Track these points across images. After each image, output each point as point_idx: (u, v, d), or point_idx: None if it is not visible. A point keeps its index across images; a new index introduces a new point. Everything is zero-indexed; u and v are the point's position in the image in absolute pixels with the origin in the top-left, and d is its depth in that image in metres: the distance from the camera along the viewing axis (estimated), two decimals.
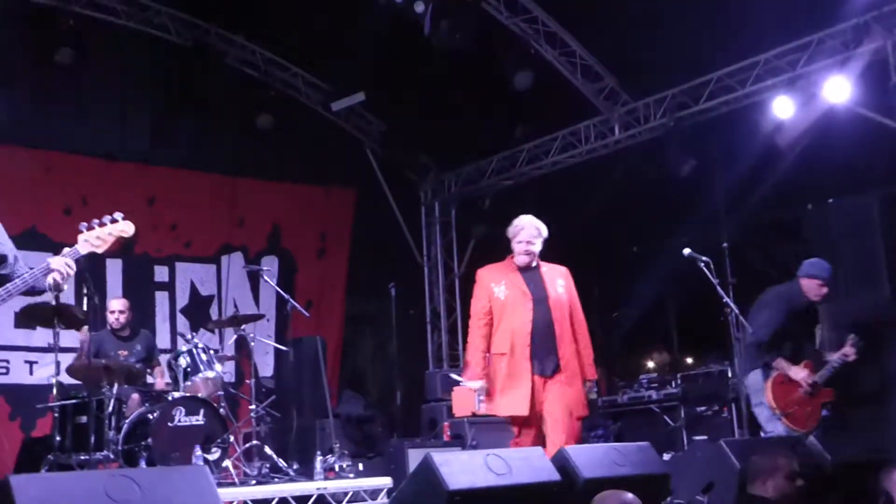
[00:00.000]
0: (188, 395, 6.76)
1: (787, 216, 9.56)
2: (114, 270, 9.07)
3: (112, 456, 6.45)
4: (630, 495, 3.35)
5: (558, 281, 5.63)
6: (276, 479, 6.74)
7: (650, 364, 10.22)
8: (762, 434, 6.21)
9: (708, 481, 4.49)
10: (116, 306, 7.49)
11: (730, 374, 8.26)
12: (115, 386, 6.65)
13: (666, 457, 6.44)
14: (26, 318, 6.83)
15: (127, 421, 6.59)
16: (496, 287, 5.57)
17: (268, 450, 7.14)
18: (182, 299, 9.75)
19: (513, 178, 10.74)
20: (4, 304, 3.96)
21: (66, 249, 3.97)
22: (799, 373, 6.04)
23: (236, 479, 6.56)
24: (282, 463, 7.04)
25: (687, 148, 9.05)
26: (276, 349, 8.86)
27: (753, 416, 6.40)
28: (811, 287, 6.19)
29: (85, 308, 6.72)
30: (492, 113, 10.15)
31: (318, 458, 6.99)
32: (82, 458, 6.46)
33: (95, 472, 5.13)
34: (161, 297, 9.58)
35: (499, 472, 4.00)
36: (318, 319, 9.87)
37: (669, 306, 11.26)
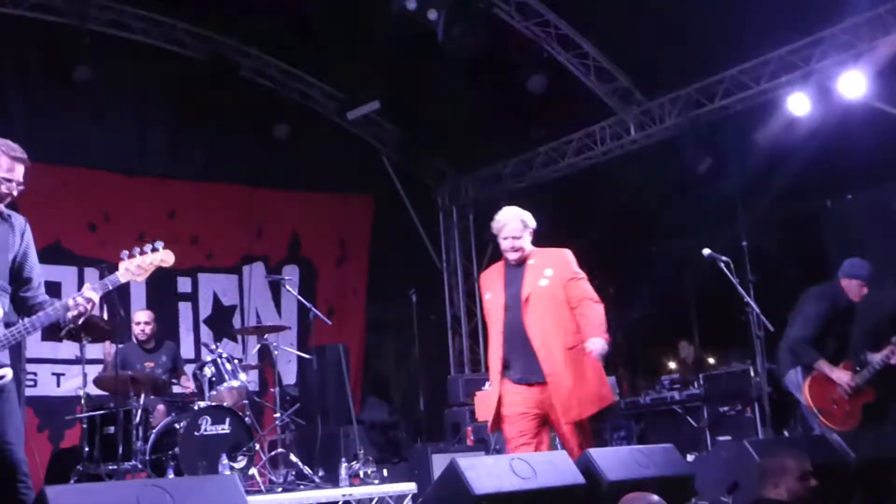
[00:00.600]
0: (214, 404, 6.83)
1: (805, 212, 9.56)
2: (137, 283, 9.14)
3: (140, 466, 6.54)
4: (656, 497, 3.37)
5: (545, 272, 5.15)
6: (302, 487, 6.79)
7: (672, 364, 10.21)
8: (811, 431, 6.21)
9: (732, 482, 4.51)
10: (142, 318, 7.59)
11: (752, 374, 8.24)
12: (142, 397, 6.75)
13: (689, 457, 6.46)
14: (53, 331, 6.92)
15: (154, 431, 6.68)
16: (487, 293, 5.35)
17: (293, 457, 7.20)
18: (205, 310, 9.86)
19: (529, 181, 10.77)
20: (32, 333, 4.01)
21: (106, 278, 4.01)
22: (841, 376, 6.03)
23: (262, 487, 6.64)
24: (307, 470, 7.09)
25: (703, 146, 9.06)
26: (299, 357, 8.92)
27: (775, 415, 6.41)
28: (852, 287, 6.20)
29: (109, 320, 6.82)
30: (507, 117, 10.19)
31: (343, 465, 7.04)
32: (111, 468, 6.56)
33: (128, 482, 5.21)
34: (184, 308, 9.70)
35: (524, 476, 4.03)
36: (339, 327, 9.94)
37: (689, 306, 11.25)
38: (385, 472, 7.26)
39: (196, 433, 6.57)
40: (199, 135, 9.84)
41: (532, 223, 5.28)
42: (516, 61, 9.45)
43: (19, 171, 4.00)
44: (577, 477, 4.21)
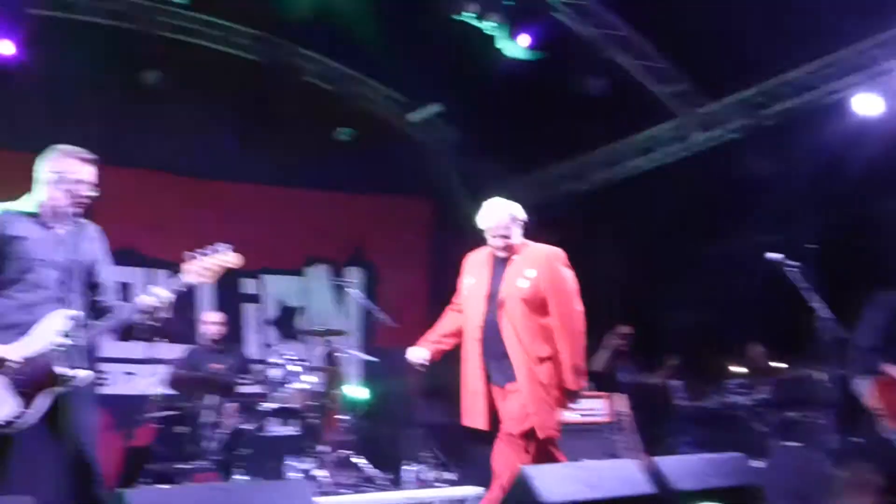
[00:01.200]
0: (280, 405, 6.95)
1: (872, 215, 9.37)
2: (204, 284, 9.34)
3: (209, 465, 6.69)
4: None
5: (525, 271, 4.83)
6: (367, 489, 6.87)
7: (736, 368, 10.07)
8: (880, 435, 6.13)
9: (801, 489, 4.47)
10: (212, 319, 7.76)
11: (821, 378, 8.11)
12: (211, 397, 6.90)
13: (756, 464, 6.39)
14: (125, 332, 7.09)
15: (223, 431, 6.82)
16: (469, 278, 5.08)
17: (357, 459, 7.29)
18: (270, 311, 10.04)
19: (586, 184, 10.74)
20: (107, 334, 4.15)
21: (172, 280, 4.13)
22: None
23: (328, 489, 6.73)
24: (372, 472, 7.17)
25: (766, 149, 8.95)
26: (363, 360, 9.02)
27: (845, 421, 6.33)
28: None
29: (175, 320, 6.97)
30: (565, 119, 10.16)
31: (408, 468, 7.11)
32: (181, 467, 6.71)
33: (203, 485, 5.33)
34: (249, 310, 9.88)
35: (592, 485, 4.06)
36: (401, 330, 9.98)
37: (754, 310, 11.09)
38: (450, 476, 7.31)
39: (263, 434, 6.71)
40: (264, 139, 9.97)
41: (521, 215, 5.00)
42: (574, 64, 9.43)
43: (89, 172, 4.14)
44: (645, 486, 4.22)
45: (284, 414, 6.84)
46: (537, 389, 4.71)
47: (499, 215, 4.94)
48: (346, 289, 9.45)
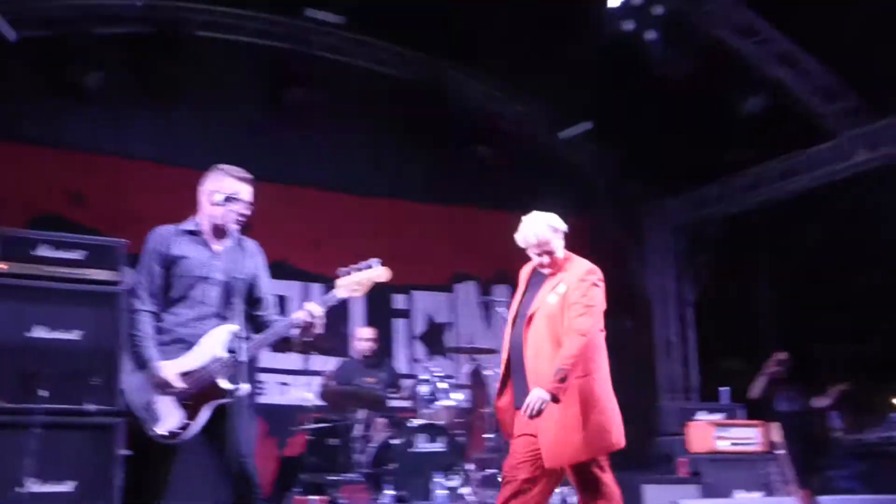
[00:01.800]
0: (429, 422, 7.01)
1: None
2: (356, 299, 9.59)
3: (359, 478, 6.82)
4: None
5: (559, 287, 4.47)
6: None
7: None
8: None
9: None
10: (366, 334, 7.92)
11: None
12: (362, 411, 7.04)
13: None
14: (282, 345, 7.35)
15: (373, 445, 6.94)
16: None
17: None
18: (419, 326, 10.19)
19: (740, 205, 10.39)
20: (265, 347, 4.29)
21: (325, 295, 4.23)
22: None
23: None
24: None
25: None
26: None
27: None
28: None
29: (328, 335, 7.15)
30: (719, 137, 9.88)
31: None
32: (332, 478, 6.87)
33: None
34: (399, 325, 10.05)
35: None
36: None
37: None
38: None
39: (412, 450, 6.79)
40: (413, 155, 10.17)
41: (561, 226, 4.64)
42: (731, 80, 9.16)
43: (246, 191, 4.28)
44: None
45: (432, 430, 6.89)
46: (558, 417, 4.24)
47: (538, 230, 4.58)
48: (494, 307, 9.46)
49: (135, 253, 4.95)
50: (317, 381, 7.63)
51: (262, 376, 9.03)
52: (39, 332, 4.64)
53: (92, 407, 4.60)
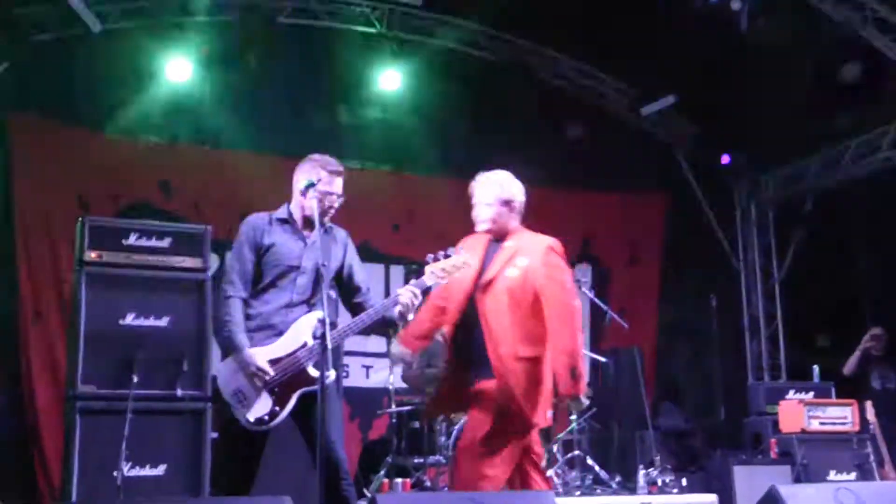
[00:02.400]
0: None
1: None
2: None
3: (444, 461, 6.83)
4: None
5: (518, 260, 4.26)
6: (599, 491, 6.80)
7: None
8: None
9: None
10: None
11: None
12: None
13: None
14: (382, 328, 7.38)
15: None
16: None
17: (590, 461, 7.21)
18: None
19: (837, 178, 10.02)
20: (357, 333, 4.31)
21: (413, 281, 4.23)
22: None
23: (560, 489, 6.70)
24: (604, 474, 7.08)
25: None
26: (593, 359, 8.92)
27: None
28: None
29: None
30: (813, 108, 9.53)
31: (641, 471, 6.96)
32: (417, 461, 6.90)
33: (448, 493, 5.26)
34: None
35: None
36: (632, 329, 9.76)
37: None
38: (684, 482, 7.09)
39: None
40: (495, 136, 10.06)
41: (516, 196, 4.43)
42: (823, 48, 8.82)
43: (338, 184, 4.32)
44: None
45: None
46: (527, 392, 4.17)
47: (486, 187, 4.46)
48: (578, 287, 9.35)
49: (217, 238, 5.07)
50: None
51: (346, 360, 9.12)
52: (132, 320, 4.72)
53: (182, 392, 4.67)
